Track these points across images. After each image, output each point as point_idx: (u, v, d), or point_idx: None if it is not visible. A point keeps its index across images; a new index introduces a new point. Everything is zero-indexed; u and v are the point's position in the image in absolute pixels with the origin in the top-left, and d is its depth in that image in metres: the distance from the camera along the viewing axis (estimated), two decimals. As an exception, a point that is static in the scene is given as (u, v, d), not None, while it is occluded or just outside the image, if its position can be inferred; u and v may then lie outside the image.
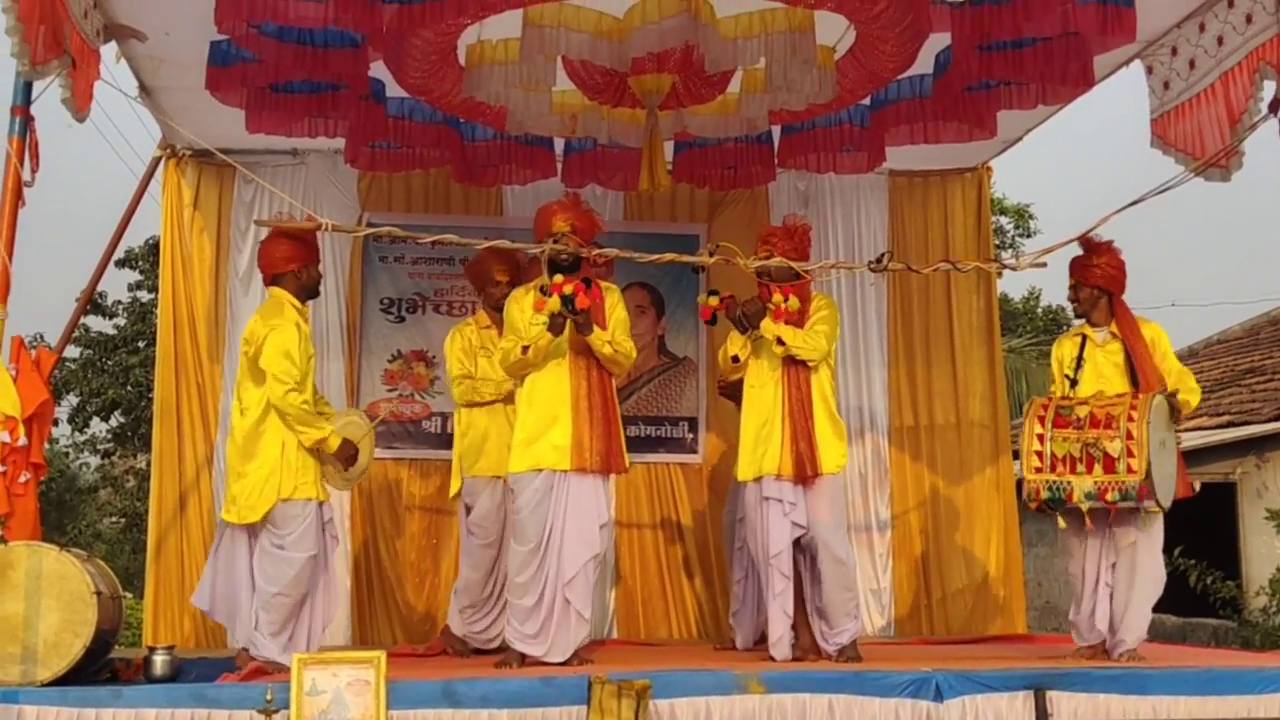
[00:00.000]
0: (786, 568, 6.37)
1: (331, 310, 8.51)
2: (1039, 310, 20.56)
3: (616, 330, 6.33)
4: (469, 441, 7.10)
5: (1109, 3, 6.16)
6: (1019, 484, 7.03)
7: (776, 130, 7.92)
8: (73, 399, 17.31)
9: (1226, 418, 12.72)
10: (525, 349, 6.16)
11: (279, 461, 5.88)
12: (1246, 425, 12.14)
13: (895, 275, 8.58)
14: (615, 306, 6.40)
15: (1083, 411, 6.31)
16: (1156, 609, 6.58)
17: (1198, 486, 11.29)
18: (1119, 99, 8.34)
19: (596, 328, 6.18)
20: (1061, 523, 6.45)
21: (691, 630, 8.56)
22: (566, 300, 6.04)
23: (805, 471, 6.33)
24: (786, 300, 6.43)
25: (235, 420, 6.05)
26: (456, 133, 7.79)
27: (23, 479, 5.58)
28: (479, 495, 7.03)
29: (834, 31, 6.73)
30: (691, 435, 8.85)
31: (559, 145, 8.14)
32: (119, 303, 17.67)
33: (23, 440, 5.58)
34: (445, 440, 7.98)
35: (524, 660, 6.10)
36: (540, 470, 6.16)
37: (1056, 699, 5.44)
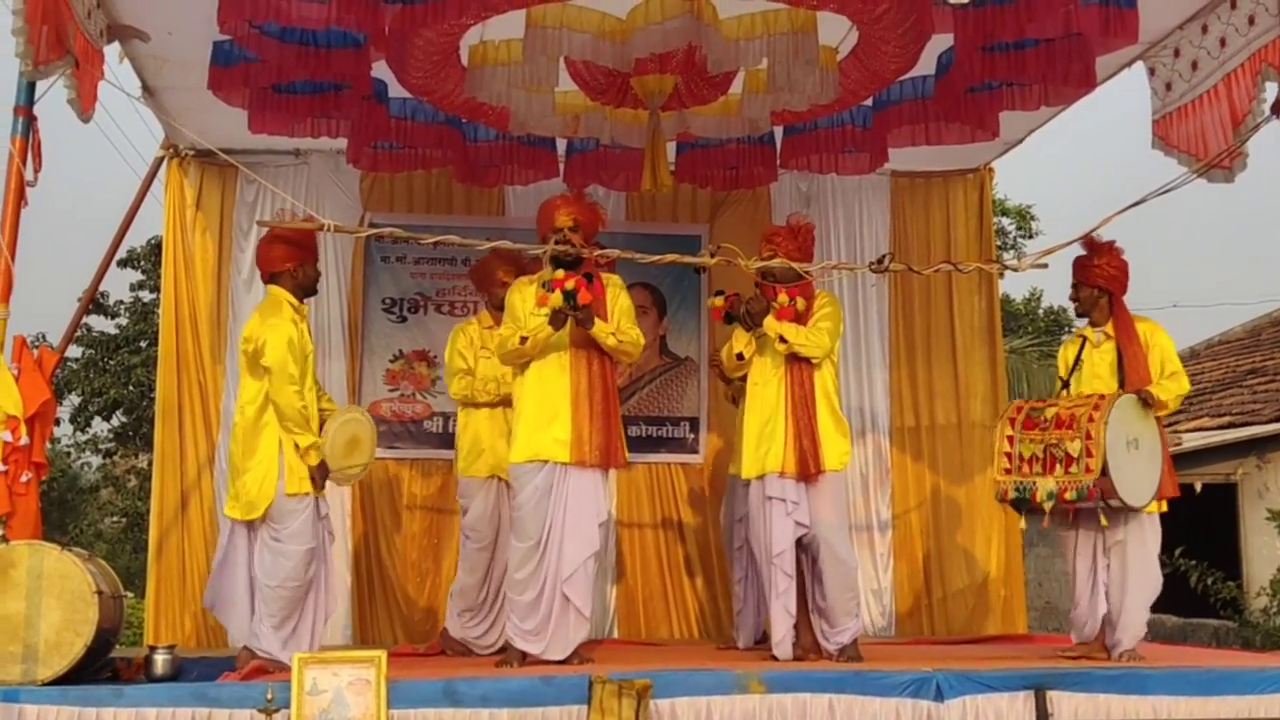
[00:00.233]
0: (789, 567, 6.37)
1: (333, 310, 8.52)
2: (1040, 311, 20.53)
3: (622, 319, 6.32)
4: (465, 442, 7.11)
5: (1111, 4, 6.16)
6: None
7: (779, 131, 7.93)
8: (74, 398, 17.29)
9: (1228, 418, 12.72)
10: (523, 339, 6.16)
11: (277, 457, 5.89)
12: (1248, 426, 12.14)
13: (897, 276, 8.59)
14: (618, 296, 6.39)
15: (1050, 413, 6.38)
16: (1157, 609, 6.59)
17: (1199, 487, 11.41)
18: (1121, 100, 8.35)
19: (599, 320, 6.18)
20: (1022, 523, 6.64)
21: (692, 630, 8.57)
22: (568, 296, 6.05)
23: (808, 468, 6.33)
24: (792, 300, 6.44)
25: (237, 418, 6.07)
26: (459, 133, 7.79)
27: (24, 478, 5.58)
28: (474, 497, 7.04)
29: (836, 32, 6.74)
30: (693, 435, 8.85)
31: (561, 146, 8.14)
32: (121, 302, 17.66)
33: (25, 440, 5.59)
34: (447, 440, 7.99)
35: (524, 659, 6.10)
36: (541, 462, 6.15)
37: (1057, 699, 5.45)
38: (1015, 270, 7.19)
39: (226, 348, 8.29)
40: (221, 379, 8.31)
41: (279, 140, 7.66)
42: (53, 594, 5.27)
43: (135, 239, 17.03)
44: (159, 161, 8.40)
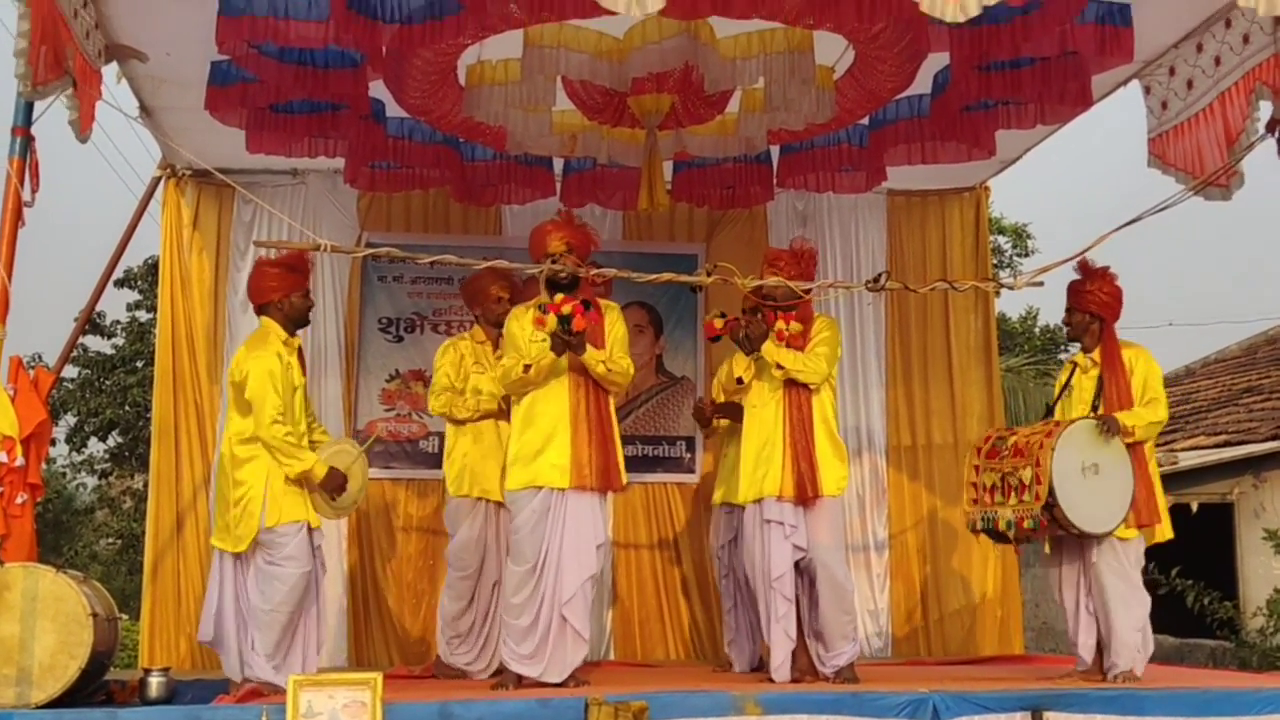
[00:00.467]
0: (789, 590, 6.35)
1: (330, 330, 8.52)
2: (1037, 330, 20.57)
3: (615, 348, 6.31)
4: (453, 463, 7.07)
5: (1107, 23, 6.19)
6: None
7: (775, 150, 7.94)
8: (70, 419, 17.28)
9: (1224, 437, 12.70)
10: (527, 367, 6.15)
11: (265, 490, 5.89)
12: (1244, 445, 12.12)
13: (893, 295, 8.60)
14: (615, 324, 6.39)
15: (1010, 441, 6.38)
16: (1153, 629, 6.57)
17: (1195, 507, 11.38)
18: (1117, 118, 8.37)
19: (591, 348, 6.17)
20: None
21: (688, 651, 8.54)
22: (563, 320, 6.05)
23: (806, 492, 6.32)
24: (789, 326, 6.44)
25: (224, 449, 6.07)
26: (456, 152, 7.80)
27: (20, 500, 5.57)
28: (460, 522, 6.98)
29: (833, 51, 6.75)
30: (689, 455, 8.84)
31: (558, 165, 8.16)
32: (117, 322, 17.67)
33: (20, 460, 5.57)
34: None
35: (520, 681, 6.07)
36: (537, 488, 6.14)
37: (1053, 720, 5.45)
38: (1011, 288, 7.20)
39: (223, 368, 8.24)
40: (218, 399, 8.28)
41: (276, 160, 7.68)
42: (47, 616, 5.25)
43: (132, 259, 17.02)
44: (156, 181, 8.40)
